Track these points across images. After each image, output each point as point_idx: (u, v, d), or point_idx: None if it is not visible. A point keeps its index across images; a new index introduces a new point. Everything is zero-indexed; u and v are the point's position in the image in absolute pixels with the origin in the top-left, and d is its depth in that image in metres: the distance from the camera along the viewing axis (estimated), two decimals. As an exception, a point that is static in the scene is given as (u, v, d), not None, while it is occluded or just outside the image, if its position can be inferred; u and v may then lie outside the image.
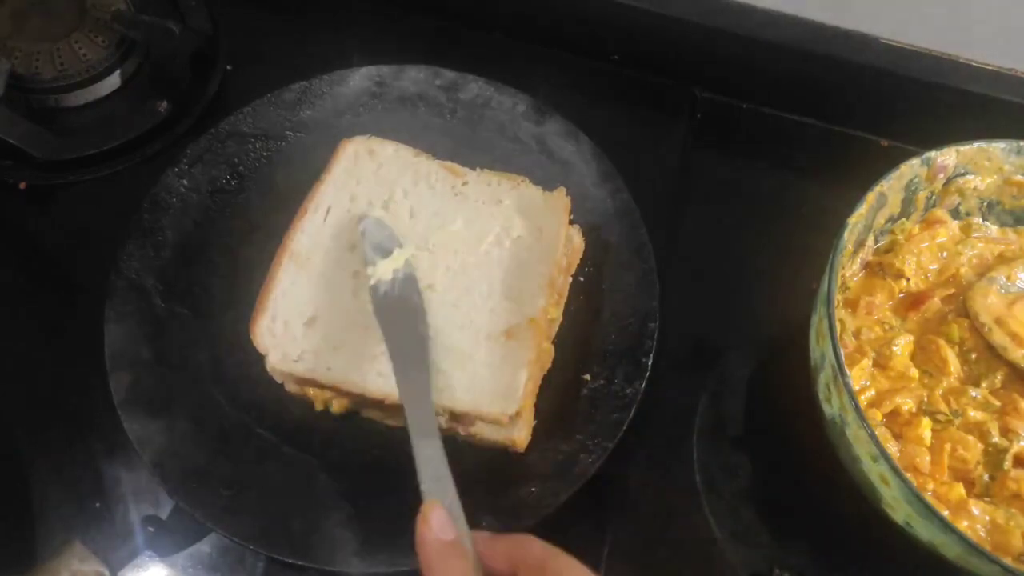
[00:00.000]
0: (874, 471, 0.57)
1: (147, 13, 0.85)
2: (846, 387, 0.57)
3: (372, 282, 0.66)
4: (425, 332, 0.65)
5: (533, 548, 0.48)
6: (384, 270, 0.66)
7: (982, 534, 0.59)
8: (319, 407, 0.66)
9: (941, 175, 0.69)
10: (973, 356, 0.66)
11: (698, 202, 0.83)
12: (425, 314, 0.66)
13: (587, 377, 0.69)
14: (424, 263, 0.70)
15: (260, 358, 0.65)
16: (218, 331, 0.70)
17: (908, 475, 0.55)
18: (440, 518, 0.49)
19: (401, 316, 0.65)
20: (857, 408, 0.56)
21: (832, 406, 0.60)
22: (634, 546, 0.67)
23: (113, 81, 0.84)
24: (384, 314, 0.64)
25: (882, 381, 0.65)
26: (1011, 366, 0.65)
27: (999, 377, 0.65)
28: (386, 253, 0.67)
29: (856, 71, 0.84)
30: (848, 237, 0.63)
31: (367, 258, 0.67)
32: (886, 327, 0.68)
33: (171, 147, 0.80)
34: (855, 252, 0.69)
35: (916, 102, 0.85)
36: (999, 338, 0.66)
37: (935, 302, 0.68)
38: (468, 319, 0.67)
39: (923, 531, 0.56)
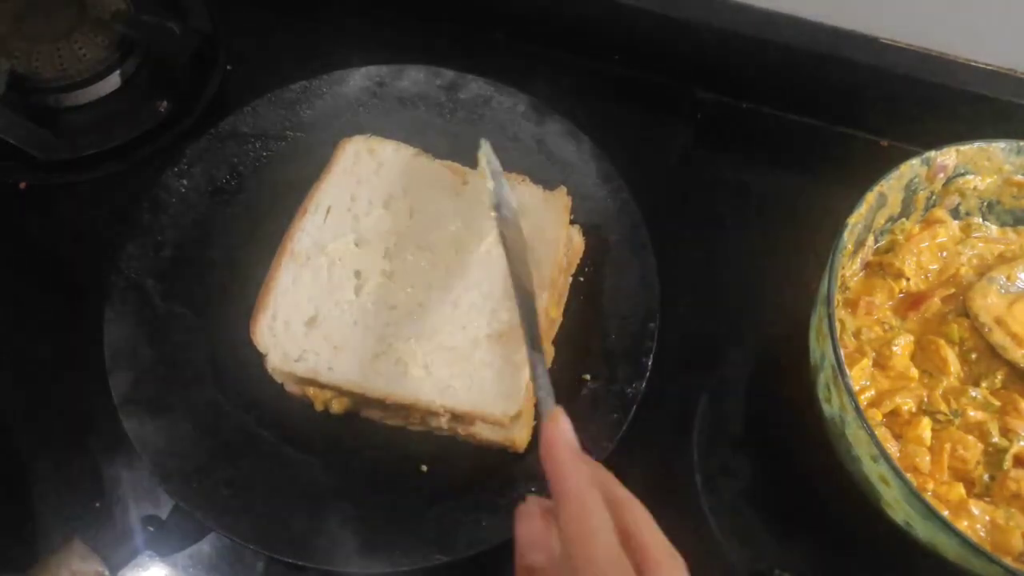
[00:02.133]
0: (874, 471, 0.57)
1: (147, 13, 0.85)
2: (846, 387, 0.57)
3: (495, 200, 0.66)
4: (530, 263, 0.65)
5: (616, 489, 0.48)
6: (508, 194, 0.67)
7: (982, 534, 0.59)
8: (319, 407, 0.66)
9: (941, 175, 0.69)
10: (973, 356, 0.66)
11: (698, 202, 0.83)
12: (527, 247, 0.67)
13: (587, 377, 0.69)
14: (424, 262, 0.70)
15: (260, 358, 0.65)
16: (218, 331, 0.69)
17: (908, 475, 0.55)
18: (568, 424, 0.49)
19: (518, 242, 0.65)
20: (857, 408, 0.56)
21: (832, 406, 0.60)
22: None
23: (113, 81, 0.84)
24: (508, 234, 0.65)
25: (882, 381, 0.65)
26: (1011, 366, 0.65)
27: (999, 377, 0.65)
28: (501, 180, 0.67)
29: (856, 71, 0.84)
30: (848, 237, 0.63)
31: (491, 179, 0.67)
32: (886, 327, 0.68)
33: (171, 147, 0.80)
34: (855, 252, 0.69)
35: (916, 102, 0.85)
36: (999, 338, 0.66)
37: (935, 302, 0.68)
38: (468, 319, 0.67)
39: (923, 531, 0.56)
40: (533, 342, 0.58)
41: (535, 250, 0.71)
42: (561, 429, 0.49)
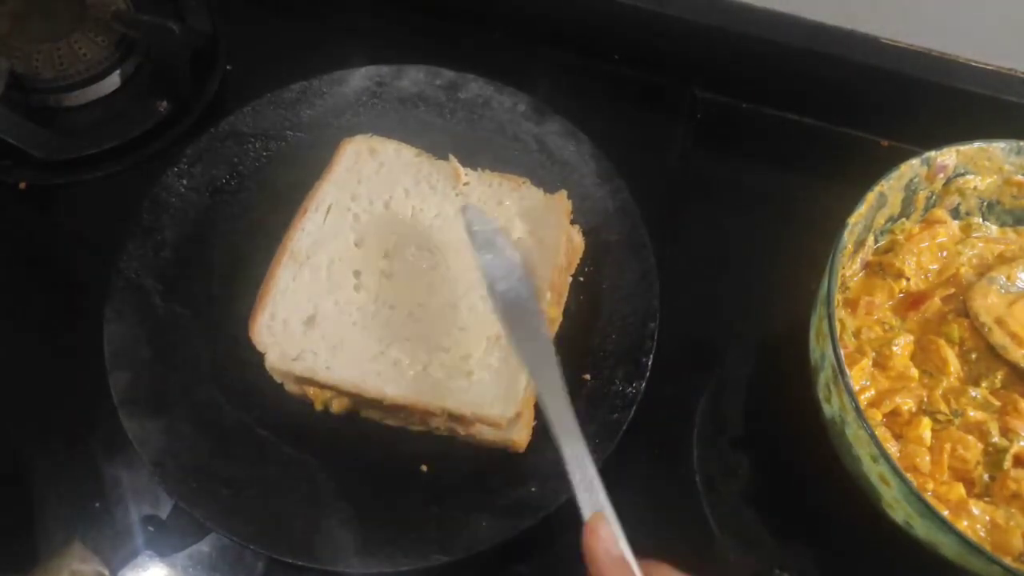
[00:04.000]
0: (874, 471, 0.57)
1: (147, 13, 0.85)
2: (846, 387, 0.57)
3: (489, 280, 0.60)
4: (547, 331, 0.60)
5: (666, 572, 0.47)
6: (502, 268, 0.61)
7: (982, 534, 0.59)
8: (319, 407, 0.66)
9: (941, 175, 0.69)
10: (973, 356, 0.66)
11: (698, 202, 0.83)
12: (543, 314, 0.62)
13: (587, 377, 0.69)
14: (424, 263, 0.70)
15: (260, 357, 0.65)
16: (218, 331, 0.70)
17: (908, 475, 0.55)
18: (608, 532, 0.48)
19: (523, 317, 0.59)
20: (857, 408, 0.56)
21: (832, 406, 0.60)
22: (634, 546, 0.67)
23: (113, 81, 0.84)
24: (508, 315, 0.59)
25: (882, 381, 0.65)
26: (1011, 366, 0.65)
27: (999, 377, 0.65)
28: (494, 247, 0.62)
29: (856, 71, 0.84)
30: (848, 237, 0.63)
31: (479, 251, 0.62)
32: (886, 327, 0.68)
33: (171, 147, 0.80)
34: (855, 252, 0.69)
35: (916, 102, 0.85)
36: (999, 338, 0.66)
37: (935, 302, 0.68)
38: (468, 320, 0.67)
39: (923, 531, 0.56)
40: (565, 428, 0.52)
41: (535, 252, 0.71)
42: (601, 539, 0.47)
